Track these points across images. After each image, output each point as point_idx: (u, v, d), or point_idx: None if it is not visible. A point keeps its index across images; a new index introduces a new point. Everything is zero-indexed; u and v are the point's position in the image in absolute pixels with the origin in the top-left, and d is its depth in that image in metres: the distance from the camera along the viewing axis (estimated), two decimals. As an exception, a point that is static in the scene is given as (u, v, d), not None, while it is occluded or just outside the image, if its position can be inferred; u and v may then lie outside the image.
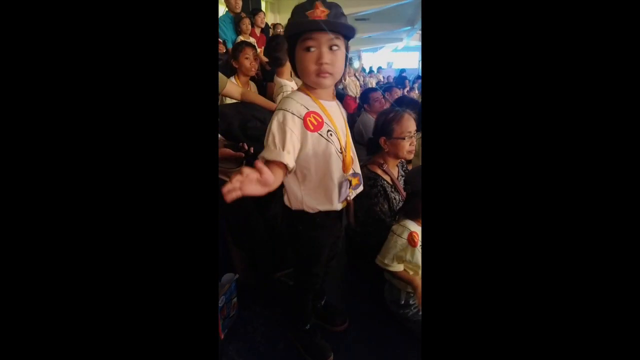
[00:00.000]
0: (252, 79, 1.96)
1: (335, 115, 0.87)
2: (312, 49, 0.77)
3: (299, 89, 0.86)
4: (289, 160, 0.79)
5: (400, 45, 13.15)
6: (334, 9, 0.76)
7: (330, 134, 0.83)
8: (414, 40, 11.49)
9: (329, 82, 0.81)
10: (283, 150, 0.78)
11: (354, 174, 0.90)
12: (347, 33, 0.78)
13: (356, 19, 7.11)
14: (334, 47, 0.77)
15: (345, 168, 0.87)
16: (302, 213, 0.88)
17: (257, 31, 3.04)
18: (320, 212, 0.88)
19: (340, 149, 0.85)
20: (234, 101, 1.44)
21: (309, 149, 0.81)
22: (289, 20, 0.80)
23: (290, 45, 0.82)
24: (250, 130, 1.25)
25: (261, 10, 3.17)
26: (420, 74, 6.48)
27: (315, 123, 0.81)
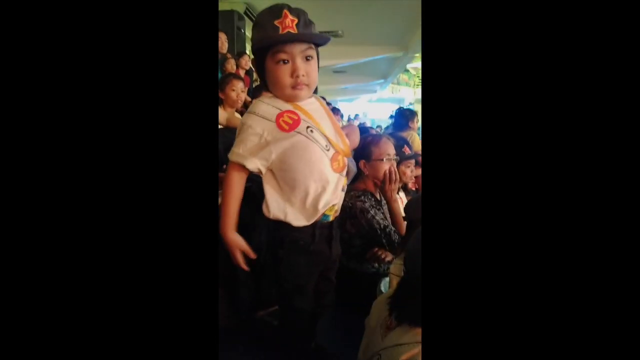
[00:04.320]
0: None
1: (315, 110, 0.81)
2: (286, 62, 0.74)
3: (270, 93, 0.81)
4: (252, 165, 0.75)
5: (374, 97, 14.04)
6: (302, 16, 0.74)
7: (311, 131, 0.77)
8: (387, 92, 12.34)
9: (305, 93, 0.78)
10: (248, 154, 0.75)
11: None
12: (320, 42, 0.77)
13: (334, 71, 7.57)
14: (309, 58, 0.75)
15: (337, 166, 0.80)
16: (282, 234, 0.80)
17: (242, 73, 3.13)
18: (303, 230, 0.79)
19: (327, 145, 0.78)
20: (220, 127, 1.40)
21: (289, 151, 0.75)
22: (256, 30, 0.76)
23: (258, 58, 0.78)
24: (236, 154, 1.21)
25: (246, 53, 3.30)
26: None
27: (290, 122, 0.75)
